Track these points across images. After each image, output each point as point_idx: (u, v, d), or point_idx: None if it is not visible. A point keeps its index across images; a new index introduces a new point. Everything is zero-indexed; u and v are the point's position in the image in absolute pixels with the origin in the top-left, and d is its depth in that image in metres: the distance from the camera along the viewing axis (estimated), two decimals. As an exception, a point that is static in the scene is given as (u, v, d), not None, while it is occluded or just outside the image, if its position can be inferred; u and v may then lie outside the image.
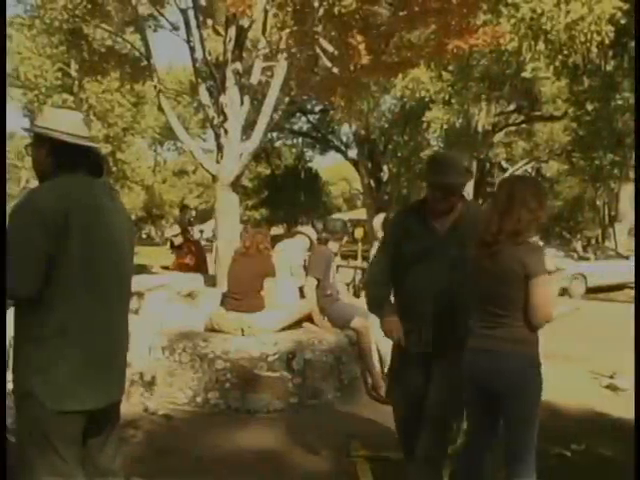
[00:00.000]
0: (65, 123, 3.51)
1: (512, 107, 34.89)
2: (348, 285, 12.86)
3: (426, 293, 4.71)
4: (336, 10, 10.37)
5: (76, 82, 39.43)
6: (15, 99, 45.58)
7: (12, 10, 50.32)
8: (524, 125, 38.04)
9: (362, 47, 9.72)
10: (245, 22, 10.46)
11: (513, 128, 38.76)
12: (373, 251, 10.46)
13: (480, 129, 31.91)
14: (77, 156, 3.51)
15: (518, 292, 4.03)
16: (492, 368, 4.12)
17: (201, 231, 42.66)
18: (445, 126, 26.92)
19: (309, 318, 8.33)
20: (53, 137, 3.46)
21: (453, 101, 26.30)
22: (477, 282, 4.26)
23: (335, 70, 10.88)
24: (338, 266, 9.91)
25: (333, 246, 8.89)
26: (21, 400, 3.32)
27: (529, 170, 38.93)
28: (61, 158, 3.48)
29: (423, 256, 4.76)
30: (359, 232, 23.59)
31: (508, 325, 4.08)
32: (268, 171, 57.92)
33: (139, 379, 7.49)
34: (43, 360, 3.26)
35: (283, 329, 8.01)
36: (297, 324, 8.20)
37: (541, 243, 4.65)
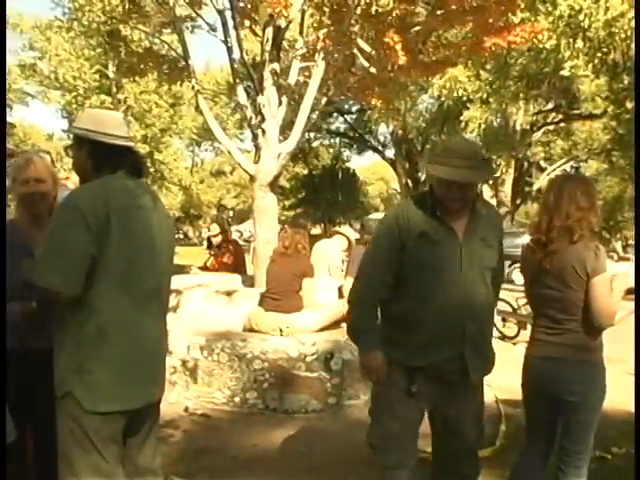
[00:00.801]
0: (104, 124, 3.52)
1: (550, 106, 34.68)
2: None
3: (462, 310, 3.88)
4: (373, 10, 10.36)
5: (114, 83, 39.67)
6: (54, 101, 46.03)
7: (50, 13, 50.71)
8: (563, 124, 37.80)
9: (399, 47, 9.71)
10: (282, 22, 10.46)
11: (551, 127, 38.51)
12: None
13: (518, 128, 31.78)
14: (117, 157, 3.51)
15: (579, 294, 3.92)
16: (556, 377, 4.02)
17: (239, 232, 42.76)
18: (483, 125, 26.84)
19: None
20: (92, 138, 3.47)
21: (491, 100, 26.20)
22: (535, 286, 4.19)
23: (372, 70, 10.87)
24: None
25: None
26: (62, 400, 3.32)
27: (568, 169, 38.58)
28: (101, 159, 3.49)
29: (448, 264, 3.90)
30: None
31: (571, 330, 3.98)
32: (306, 171, 57.96)
33: (178, 379, 7.52)
34: (82, 361, 3.27)
35: (322, 329, 8.00)
36: (336, 324, 8.17)
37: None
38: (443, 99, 30.81)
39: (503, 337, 11.79)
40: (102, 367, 3.28)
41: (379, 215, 9.98)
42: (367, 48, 10.66)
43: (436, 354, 3.90)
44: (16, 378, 3.41)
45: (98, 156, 3.49)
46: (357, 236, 9.88)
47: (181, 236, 67.02)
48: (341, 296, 8.64)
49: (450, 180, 3.81)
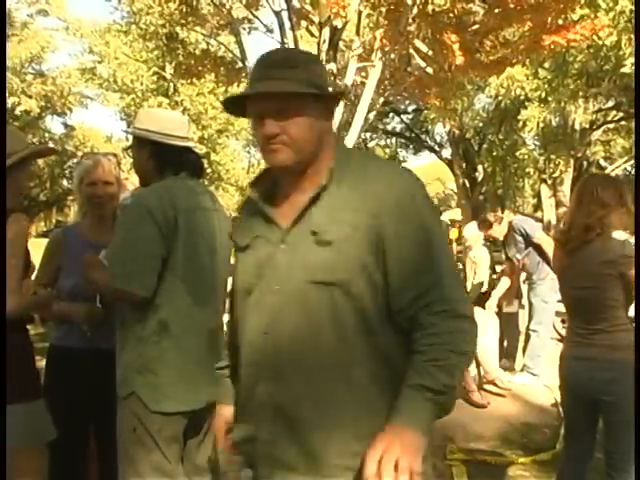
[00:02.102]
0: (166, 124, 3.54)
1: (611, 104, 34.14)
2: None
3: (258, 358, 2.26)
4: (430, 9, 10.34)
5: (171, 85, 40.01)
6: (112, 103, 46.62)
7: (109, 17, 51.41)
8: (623, 122, 37.22)
9: (457, 46, 9.66)
10: (339, 23, 10.47)
11: (612, 125, 37.93)
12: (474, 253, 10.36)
13: (577, 127, 31.35)
14: (179, 158, 3.53)
15: (607, 292, 3.85)
16: (590, 377, 3.95)
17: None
18: (541, 124, 26.53)
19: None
20: (154, 139, 3.50)
21: (549, 99, 25.89)
22: (563, 285, 4.15)
23: (429, 70, 10.84)
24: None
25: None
26: (125, 399, 3.36)
27: (628, 169, 38.04)
28: (163, 160, 3.51)
29: (255, 277, 2.29)
30: (454, 233, 23.38)
31: (602, 330, 3.91)
32: (362, 171, 57.93)
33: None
34: (145, 361, 3.31)
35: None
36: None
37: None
38: (500, 98, 30.49)
39: (562, 339, 11.66)
40: (165, 367, 3.31)
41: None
42: (423, 48, 10.63)
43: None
44: (79, 378, 3.43)
45: (160, 157, 3.51)
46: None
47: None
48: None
49: (252, 102, 2.27)
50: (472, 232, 10.02)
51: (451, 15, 10.49)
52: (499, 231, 9.20)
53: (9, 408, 3.18)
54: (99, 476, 4.03)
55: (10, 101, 48.88)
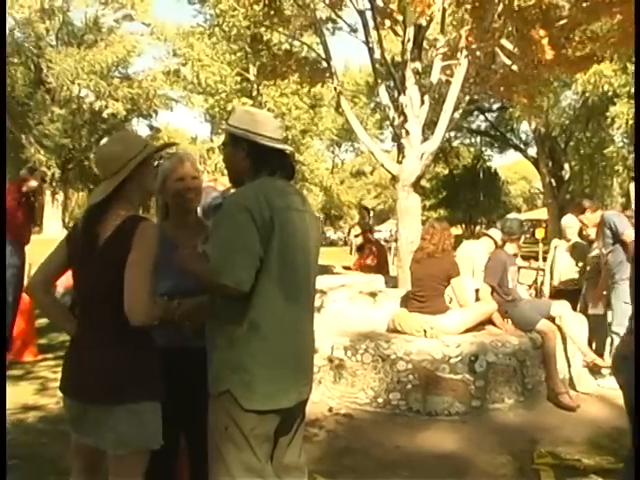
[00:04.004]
0: (264, 126, 3.58)
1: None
2: (530, 287, 12.59)
3: None
4: (516, 5, 10.18)
5: (254, 86, 40.40)
6: (197, 105, 47.32)
7: (192, 20, 52.24)
8: None
9: (545, 41, 9.50)
10: (423, 21, 10.40)
11: None
12: (558, 252, 10.20)
13: (668, 123, 30.64)
14: (275, 159, 3.57)
15: None
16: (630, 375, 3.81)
17: (378, 231, 42.82)
18: (630, 121, 25.99)
19: (491, 320, 8.19)
20: (253, 140, 3.53)
21: (639, 94, 25.36)
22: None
23: (514, 67, 10.69)
24: (519, 267, 9.67)
25: (510, 248, 8.66)
26: (217, 398, 3.39)
27: None
28: (260, 160, 3.54)
29: None
30: (540, 232, 23.13)
31: None
32: (446, 171, 57.69)
33: (322, 378, 7.55)
34: (238, 359, 3.34)
35: (466, 331, 7.90)
36: (480, 326, 8.06)
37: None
38: (588, 95, 30.06)
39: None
40: (259, 365, 3.34)
41: (522, 215, 9.78)
42: (508, 45, 10.49)
43: None
44: (171, 376, 3.46)
45: (257, 157, 3.54)
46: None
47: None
48: (477, 299, 8.51)
49: None
50: (571, 222, 9.87)
51: (537, 10, 10.32)
52: (591, 220, 9.06)
53: (137, 405, 3.27)
54: (189, 475, 4.06)
55: (97, 104, 49.98)
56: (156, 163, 4.13)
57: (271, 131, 3.58)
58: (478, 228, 54.08)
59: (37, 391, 7.83)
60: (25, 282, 9.45)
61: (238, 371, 3.32)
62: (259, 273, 3.30)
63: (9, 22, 49.72)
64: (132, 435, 3.26)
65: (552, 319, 8.11)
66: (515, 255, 8.94)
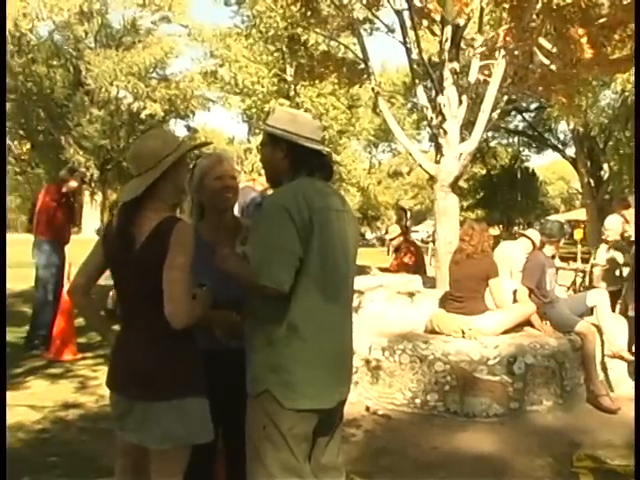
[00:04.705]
0: (304, 127, 3.58)
1: None
2: (568, 288, 12.49)
3: None
4: (554, 3, 10.10)
5: (292, 87, 40.51)
6: (234, 106, 47.47)
7: (229, 21, 52.48)
8: None
9: (584, 40, 9.41)
10: (461, 21, 10.37)
11: None
12: (600, 253, 10.10)
13: None
14: (314, 160, 3.58)
15: None
16: None
17: (415, 232, 42.74)
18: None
19: (529, 322, 8.13)
20: (293, 140, 3.54)
21: (681, 93, 25.07)
22: None
23: (553, 66, 10.60)
24: (558, 268, 9.59)
25: (549, 250, 8.60)
26: (257, 397, 3.39)
27: None
28: (299, 161, 3.54)
29: None
30: (579, 233, 22.96)
31: None
32: (484, 171, 57.41)
33: (359, 378, 7.55)
34: (278, 360, 3.34)
35: (504, 332, 7.85)
36: (519, 327, 8.01)
37: None
38: (627, 94, 29.74)
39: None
40: (299, 365, 3.34)
41: (560, 216, 9.67)
42: (546, 44, 10.41)
43: None
44: (209, 378, 3.47)
45: (296, 158, 3.55)
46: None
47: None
48: (515, 300, 8.47)
49: None
50: (613, 223, 9.74)
51: (576, 8, 10.22)
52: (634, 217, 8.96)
53: (182, 401, 3.30)
54: (226, 474, 4.07)
55: (135, 105, 50.36)
56: (192, 163, 4.13)
57: (310, 132, 3.58)
58: (515, 229, 53.84)
59: (77, 389, 7.88)
60: (64, 281, 9.57)
61: (278, 371, 3.33)
62: (298, 274, 3.30)
63: (49, 25, 50.46)
64: (177, 430, 3.29)
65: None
66: (553, 256, 8.87)
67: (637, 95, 9.04)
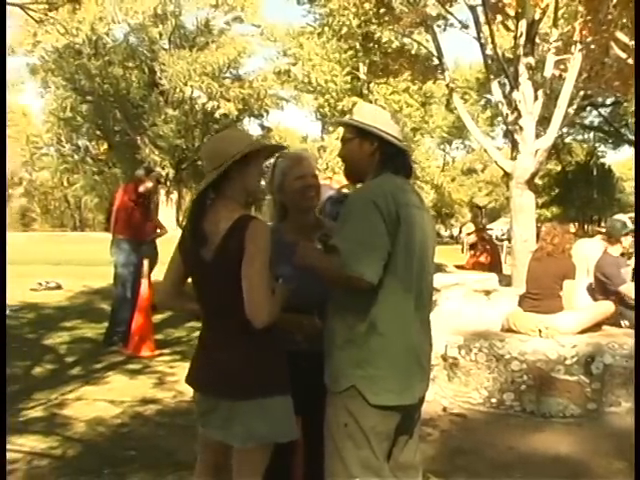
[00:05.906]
0: (391, 125, 3.62)
1: None
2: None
3: None
4: (633, -5, 9.92)
5: (365, 84, 40.50)
6: (307, 104, 47.62)
7: (302, 20, 52.67)
8: None
9: (665, 33, 9.21)
10: (536, 15, 10.25)
11: None
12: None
13: None
14: (401, 158, 3.61)
15: None
16: None
17: (490, 229, 42.43)
18: None
19: (608, 320, 8.01)
20: (382, 136, 3.55)
21: None
22: None
23: (630, 60, 10.41)
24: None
25: (614, 250, 8.46)
26: (339, 395, 3.39)
27: None
28: (388, 158, 3.56)
29: None
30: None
31: None
32: (559, 168, 56.69)
33: (435, 377, 7.51)
34: (362, 355, 3.34)
35: (582, 331, 7.74)
36: (597, 326, 7.90)
37: None
38: None
39: None
40: (382, 361, 3.34)
41: (625, 216, 9.44)
42: (623, 37, 10.22)
43: None
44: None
45: (386, 154, 3.56)
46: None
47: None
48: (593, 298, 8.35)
49: None
50: None
51: (656, 0, 10.04)
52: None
53: (267, 400, 3.31)
54: (304, 471, 4.08)
55: (210, 105, 50.75)
56: (273, 163, 4.12)
57: (395, 130, 3.61)
58: (591, 227, 53.11)
59: (155, 385, 7.99)
60: (141, 279, 9.73)
61: (363, 366, 3.32)
62: (385, 268, 3.29)
63: (124, 28, 51.17)
64: (261, 429, 3.30)
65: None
66: (623, 255, 8.72)
67: (637, 95, 8.83)
